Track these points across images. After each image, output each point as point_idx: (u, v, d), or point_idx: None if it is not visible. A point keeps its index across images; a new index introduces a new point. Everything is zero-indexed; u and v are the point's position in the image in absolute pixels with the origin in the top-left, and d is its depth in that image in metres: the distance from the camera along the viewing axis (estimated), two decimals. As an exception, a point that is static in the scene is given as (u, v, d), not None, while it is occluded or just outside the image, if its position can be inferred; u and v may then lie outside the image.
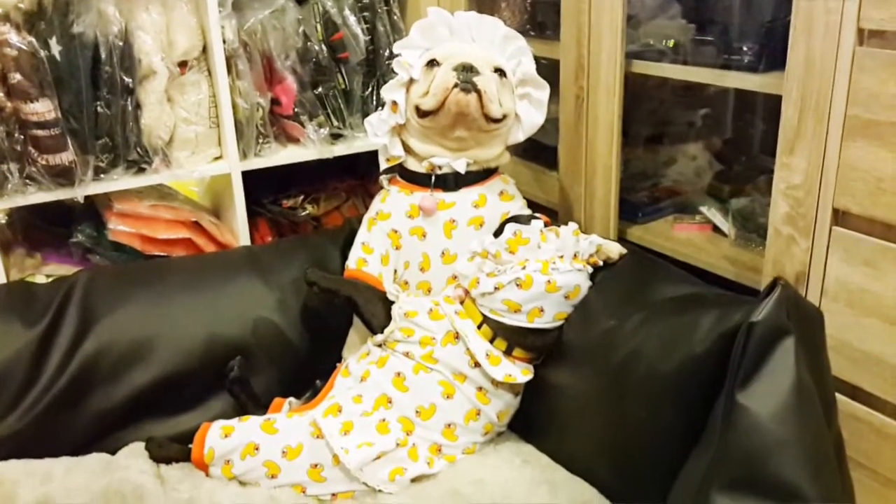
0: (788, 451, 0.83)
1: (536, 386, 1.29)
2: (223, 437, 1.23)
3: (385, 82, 1.85)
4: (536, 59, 1.44)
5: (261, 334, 1.47)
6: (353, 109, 1.85)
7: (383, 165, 1.48)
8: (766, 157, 1.60)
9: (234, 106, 1.69)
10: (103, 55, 1.51)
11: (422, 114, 1.37)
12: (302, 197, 1.95)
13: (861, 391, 1.14)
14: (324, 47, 1.78)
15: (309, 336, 1.50)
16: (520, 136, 1.43)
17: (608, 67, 1.45)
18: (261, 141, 1.75)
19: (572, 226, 1.30)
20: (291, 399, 1.42)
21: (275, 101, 1.79)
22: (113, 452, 1.34)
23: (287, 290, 1.52)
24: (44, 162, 1.52)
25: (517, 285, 1.23)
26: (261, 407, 1.41)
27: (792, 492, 0.85)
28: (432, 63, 1.38)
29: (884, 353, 1.10)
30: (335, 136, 1.83)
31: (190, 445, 1.29)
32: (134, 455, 1.29)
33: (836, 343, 1.15)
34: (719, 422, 0.88)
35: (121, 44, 1.53)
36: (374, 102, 1.87)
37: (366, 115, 1.87)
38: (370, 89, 1.87)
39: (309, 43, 1.75)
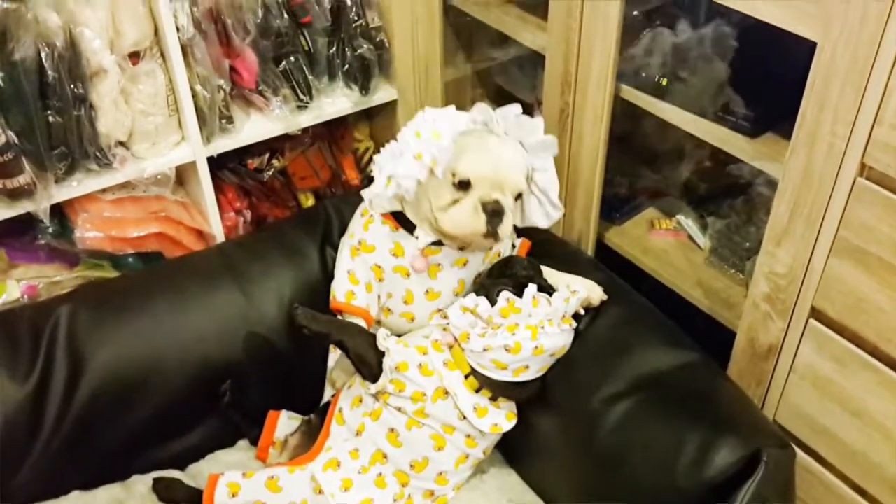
0: None
1: (521, 421, 1.37)
2: (230, 496, 1.31)
3: (351, 43, 1.75)
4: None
5: (247, 352, 1.50)
6: (318, 71, 1.75)
7: (367, 202, 1.41)
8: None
9: (194, 93, 1.58)
10: (50, 73, 1.38)
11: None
12: (267, 154, 1.88)
13: (815, 453, 1.27)
14: (284, 13, 1.63)
15: (294, 346, 1.53)
16: (518, 222, 1.38)
17: (596, 91, 1.39)
18: (224, 122, 1.66)
19: (563, 291, 1.32)
20: (284, 413, 1.49)
21: (233, 69, 1.67)
22: (122, 478, 1.42)
23: (268, 302, 1.52)
24: (0, 186, 1.43)
25: (506, 350, 1.28)
26: (255, 424, 1.49)
27: None
28: (462, 181, 1.28)
29: (840, 433, 1.21)
30: (301, 108, 1.73)
31: (192, 482, 1.39)
32: (144, 501, 1.37)
33: (798, 411, 1.26)
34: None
35: (67, 53, 1.39)
36: (340, 62, 1.76)
37: (332, 74, 1.78)
38: (335, 47, 1.75)
39: (270, 15, 1.61)
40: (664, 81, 1.32)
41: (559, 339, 1.30)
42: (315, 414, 1.46)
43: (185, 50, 1.53)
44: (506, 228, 1.30)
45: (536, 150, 1.33)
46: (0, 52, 1.32)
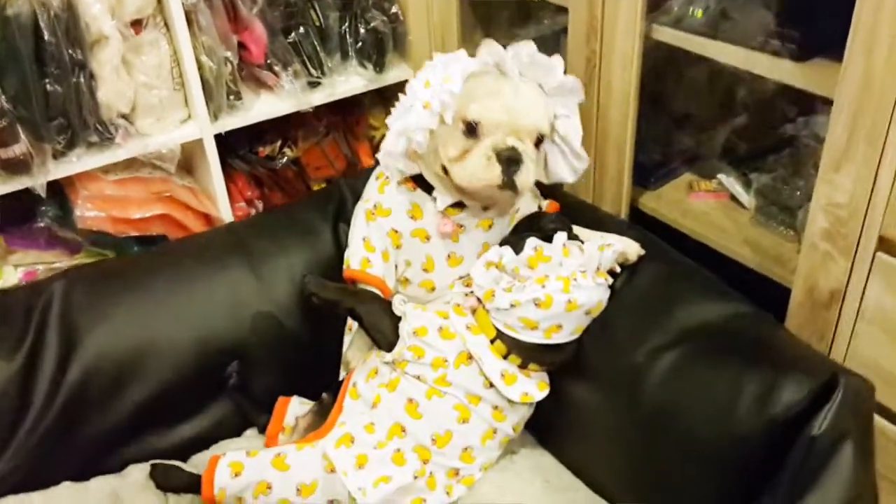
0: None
1: (553, 394, 1.24)
2: (233, 476, 1.19)
3: (364, 16, 1.68)
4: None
5: (257, 332, 1.39)
6: (330, 48, 1.67)
7: (381, 165, 1.31)
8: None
9: (200, 64, 1.51)
10: (46, 34, 1.31)
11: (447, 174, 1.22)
12: (279, 142, 1.79)
13: (890, 413, 1.12)
14: (294, -17, 1.57)
15: (308, 326, 1.42)
16: (542, 178, 1.28)
17: (625, 34, 1.29)
18: (231, 98, 1.58)
19: (597, 241, 1.21)
20: (295, 399, 1.37)
21: (241, 45, 1.60)
22: (117, 469, 1.30)
23: (279, 280, 1.42)
24: (-6, 156, 1.36)
25: (535, 304, 1.16)
26: (264, 411, 1.36)
27: None
28: (472, 126, 1.17)
29: (918, 384, 1.07)
30: (313, 84, 1.66)
31: (195, 472, 1.26)
32: (140, 489, 1.24)
33: (868, 362, 1.11)
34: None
35: (64, 15, 1.33)
36: (353, 39, 1.68)
37: (344, 52, 1.70)
38: (347, 23, 1.68)
39: (278, -17, 1.55)
40: (699, 13, 1.22)
41: (594, 293, 1.17)
42: (327, 393, 1.33)
43: (190, 17, 1.46)
44: (525, 178, 1.17)
45: (558, 93, 1.23)
46: (-8, 7, 1.26)
